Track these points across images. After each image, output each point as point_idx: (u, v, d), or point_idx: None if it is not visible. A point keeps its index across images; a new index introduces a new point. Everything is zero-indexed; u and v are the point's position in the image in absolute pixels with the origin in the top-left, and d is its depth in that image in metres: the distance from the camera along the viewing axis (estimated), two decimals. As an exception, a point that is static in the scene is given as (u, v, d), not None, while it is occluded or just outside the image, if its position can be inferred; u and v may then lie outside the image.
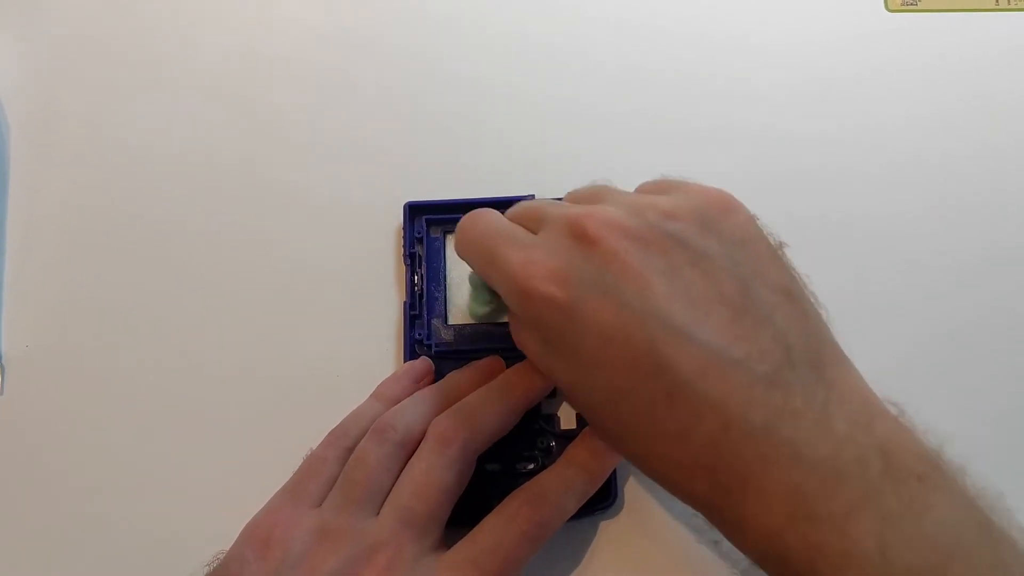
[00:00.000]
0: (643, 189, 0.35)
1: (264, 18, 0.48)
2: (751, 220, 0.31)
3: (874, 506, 0.25)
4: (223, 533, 0.33)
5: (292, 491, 0.35)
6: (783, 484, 0.26)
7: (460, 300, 0.41)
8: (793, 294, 0.30)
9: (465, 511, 0.34)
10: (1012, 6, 0.48)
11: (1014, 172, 0.45)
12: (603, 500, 0.37)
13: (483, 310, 0.39)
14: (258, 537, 0.33)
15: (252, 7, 0.48)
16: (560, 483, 0.34)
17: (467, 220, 0.35)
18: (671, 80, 0.47)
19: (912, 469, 0.26)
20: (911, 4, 0.49)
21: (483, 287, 0.38)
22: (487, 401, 0.36)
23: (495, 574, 0.32)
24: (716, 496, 0.27)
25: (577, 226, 0.30)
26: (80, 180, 0.45)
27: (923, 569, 0.25)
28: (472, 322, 0.40)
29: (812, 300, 0.30)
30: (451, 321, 0.41)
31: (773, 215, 0.42)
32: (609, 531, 0.38)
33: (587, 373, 0.29)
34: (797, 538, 0.26)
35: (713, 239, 0.30)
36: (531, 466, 0.38)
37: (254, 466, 0.37)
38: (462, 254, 0.35)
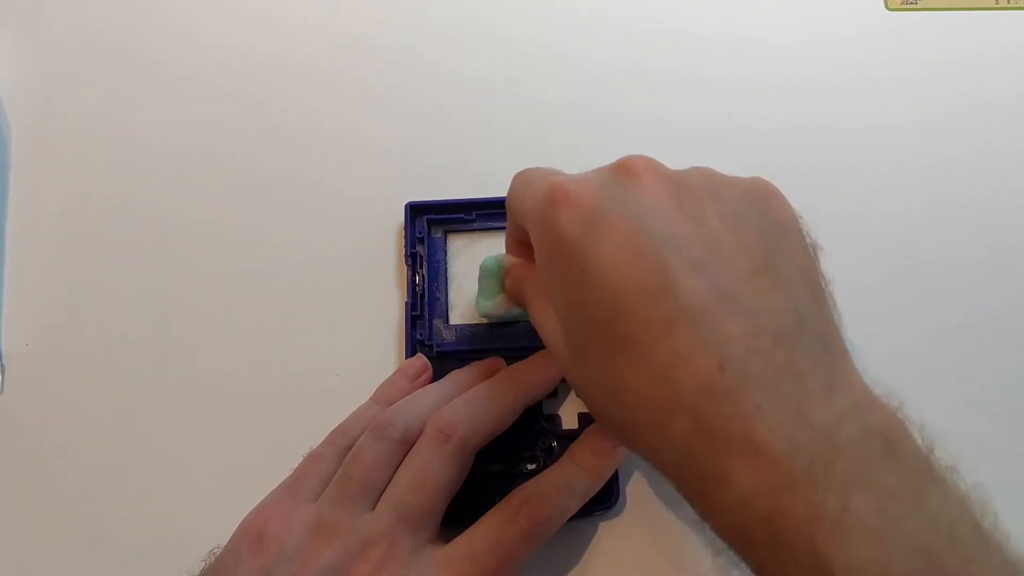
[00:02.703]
0: None
1: (265, 17, 0.48)
2: (793, 214, 0.31)
3: (875, 482, 0.24)
4: (222, 531, 0.34)
5: (289, 487, 0.35)
6: (783, 439, 0.24)
7: (461, 300, 0.41)
8: (815, 282, 0.29)
9: (466, 511, 0.34)
10: (1011, 5, 0.49)
11: (1014, 171, 0.45)
12: (604, 500, 0.37)
13: (489, 303, 0.39)
14: (253, 532, 0.33)
15: (253, 6, 0.48)
16: (562, 482, 0.35)
17: (524, 170, 0.35)
18: (672, 80, 0.47)
19: (911, 460, 0.25)
20: (911, 3, 0.49)
21: (493, 277, 0.38)
22: (486, 397, 0.36)
23: (493, 571, 0.32)
24: (697, 443, 0.25)
25: (623, 162, 0.30)
26: (80, 180, 0.45)
27: (923, 551, 0.23)
28: (474, 322, 0.40)
29: (831, 298, 0.30)
30: (453, 321, 0.41)
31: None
32: (610, 531, 0.38)
33: (594, 287, 0.28)
34: (796, 501, 0.24)
35: (749, 208, 0.29)
36: (532, 466, 0.38)
37: (255, 465, 0.37)
38: (509, 193, 0.35)
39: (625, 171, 0.29)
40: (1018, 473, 0.40)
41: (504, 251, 0.39)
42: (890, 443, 0.25)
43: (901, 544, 0.23)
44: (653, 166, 0.30)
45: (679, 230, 0.28)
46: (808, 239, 0.31)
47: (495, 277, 0.39)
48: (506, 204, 0.35)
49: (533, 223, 0.31)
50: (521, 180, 0.34)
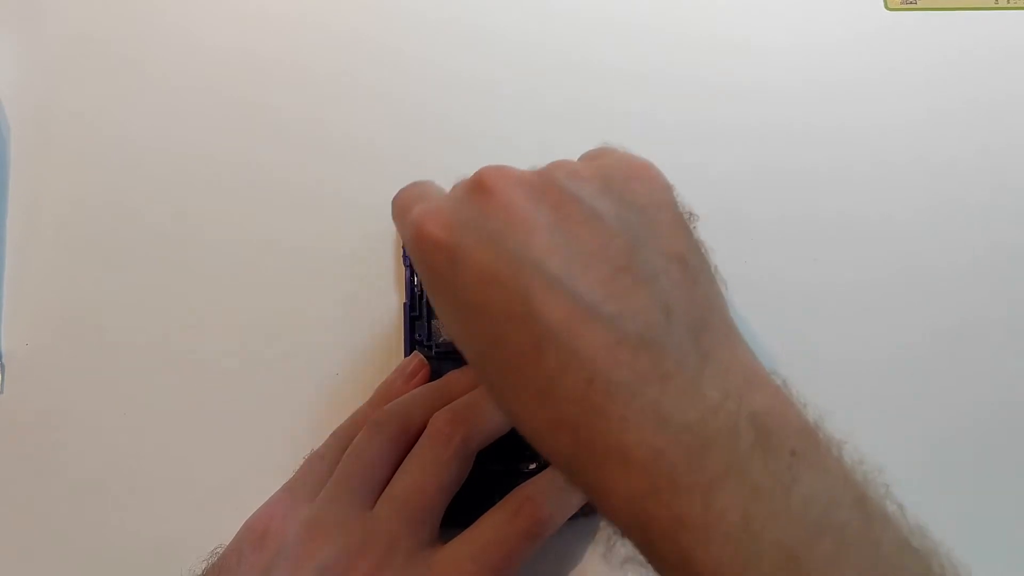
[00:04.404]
0: (582, 156, 0.34)
1: (264, 17, 0.48)
2: (661, 188, 0.31)
3: (741, 478, 0.24)
4: (222, 531, 0.34)
5: (290, 487, 0.35)
6: (646, 448, 0.25)
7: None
8: (688, 262, 0.29)
9: (467, 510, 0.34)
10: (1011, 5, 0.48)
11: (1013, 171, 0.45)
12: (604, 500, 0.37)
13: None
14: (255, 530, 0.33)
15: (252, 6, 0.48)
16: (563, 481, 0.34)
17: (402, 189, 0.35)
18: (672, 80, 0.47)
19: (786, 443, 0.25)
20: (910, 3, 0.49)
21: None
22: (489, 399, 0.36)
23: (494, 570, 0.32)
24: (580, 457, 0.26)
25: (477, 178, 0.30)
26: (80, 179, 0.45)
27: (790, 544, 0.24)
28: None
29: (711, 272, 0.30)
30: (451, 322, 0.41)
31: (771, 212, 0.43)
32: (610, 530, 0.38)
33: (468, 320, 0.28)
34: (660, 507, 0.24)
35: (610, 200, 0.29)
36: (533, 465, 0.38)
37: (254, 465, 0.38)
38: (392, 218, 0.35)
39: (480, 189, 0.29)
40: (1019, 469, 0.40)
41: None
42: (763, 429, 0.25)
43: (763, 542, 0.24)
44: (507, 176, 0.30)
45: (536, 245, 0.28)
46: (679, 211, 0.30)
47: None
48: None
49: (411, 256, 0.31)
50: (397, 209, 0.34)
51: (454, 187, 0.31)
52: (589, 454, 0.26)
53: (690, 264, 0.29)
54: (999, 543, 0.39)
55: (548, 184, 0.29)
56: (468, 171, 0.43)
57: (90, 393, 0.41)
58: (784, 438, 0.25)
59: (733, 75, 0.47)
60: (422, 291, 0.41)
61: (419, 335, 0.40)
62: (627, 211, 0.29)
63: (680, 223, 0.30)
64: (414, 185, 0.35)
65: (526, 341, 0.27)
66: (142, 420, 0.40)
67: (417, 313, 0.41)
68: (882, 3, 0.49)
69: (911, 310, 0.42)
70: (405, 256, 0.41)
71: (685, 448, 0.25)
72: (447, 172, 0.44)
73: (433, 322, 0.40)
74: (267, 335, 0.42)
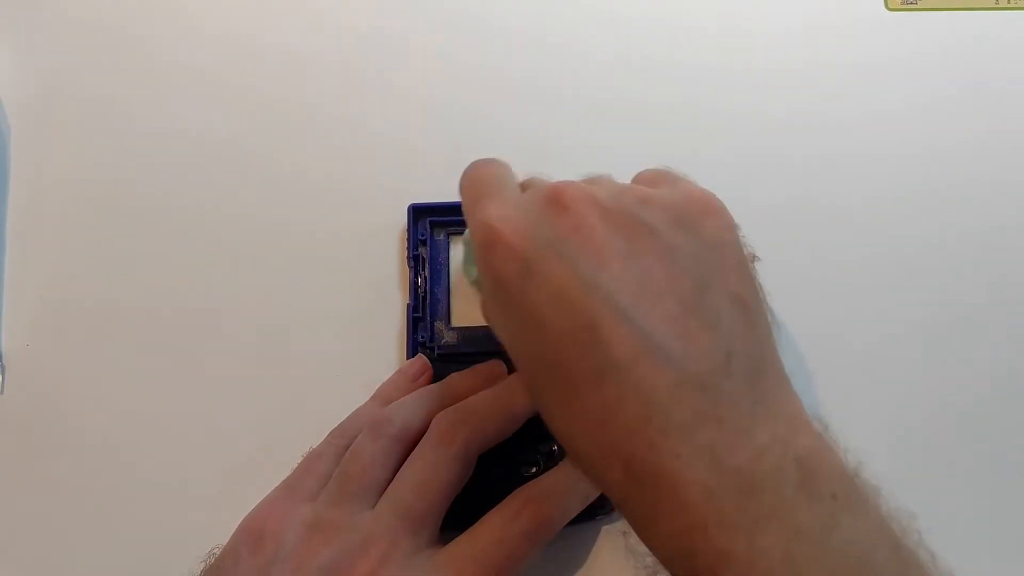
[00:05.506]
0: (639, 179, 0.35)
1: (266, 16, 0.48)
2: (729, 227, 0.31)
3: (785, 519, 0.25)
4: (222, 531, 0.34)
5: (288, 487, 0.35)
6: (699, 487, 0.26)
7: (463, 303, 0.41)
8: (748, 305, 0.29)
9: (467, 514, 0.34)
10: (1011, 5, 0.49)
11: (1014, 171, 0.45)
12: (606, 505, 0.37)
13: (475, 270, 0.39)
14: (252, 531, 0.33)
15: (254, 4, 0.48)
16: (564, 483, 0.35)
17: (474, 163, 0.35)
18: (678, 82, 0.47)
19: (827, 487, 0.26)
20: (911, 3, 0.49)
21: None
22: (492, 402, 0.36)
23: (494, 571, 0.32)
24: (630, 487, 0.27)
25: (555, 193, 0.30)
26: (80, 179, 0.45)
27: None
28: (476, 324, 0.40)
29: (767, 315, 0.30)
30: (454, 323, 0.41)
31: (770, 212, 0.43)
32: (612, 535, 0.38)
33: (530, 333, 0.29)
34: (705, 542, 0.25)
35: (682, 235, 0.30)
36: (534, 470, 0.38)
37: (255, 465, 0.38)
38: (460, 192, 0.35)
39: (557, 204, 0.29)
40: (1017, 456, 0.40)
41: None
42: (807, 472, 0.26)
43: None
44: (584, 196, 0.30)
45: (610, 273, 0.28)
46: (743, 252, 0.31)
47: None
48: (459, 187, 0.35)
49: (476, 255, 0.31)
50: (469, 192, 0.34)
51: (528, 192, 0.32)
52: (640, 487, 0.26)
53: (750, 307, 0.29)
54: (990, 533, 0.39)
55: (623, 210, 0.30)
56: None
57: (90, 393, 0.41)
58: (826, 482, 0.26)
59: (733, 74, 0.47)
60: (426, 292, 0.41)
61: (422, 336, 0.40)
62: (698, 248, 0.30)
63: (744, 264, 0.30)
64: (488, 164, 0.34)
65: (586, 368, 0.27)
66: (142, 420, 0.40)
67: (420, 314, 0.41)
68: (882, 3, 0.49)
69: (901, 298, 0.43)
70: (409, 257, 0.41)
71: (734, 488, 0.25)
72: (451, 173, 0.44)
73: (436, 323, 0.41)
74: (269, 334, 0.42)
